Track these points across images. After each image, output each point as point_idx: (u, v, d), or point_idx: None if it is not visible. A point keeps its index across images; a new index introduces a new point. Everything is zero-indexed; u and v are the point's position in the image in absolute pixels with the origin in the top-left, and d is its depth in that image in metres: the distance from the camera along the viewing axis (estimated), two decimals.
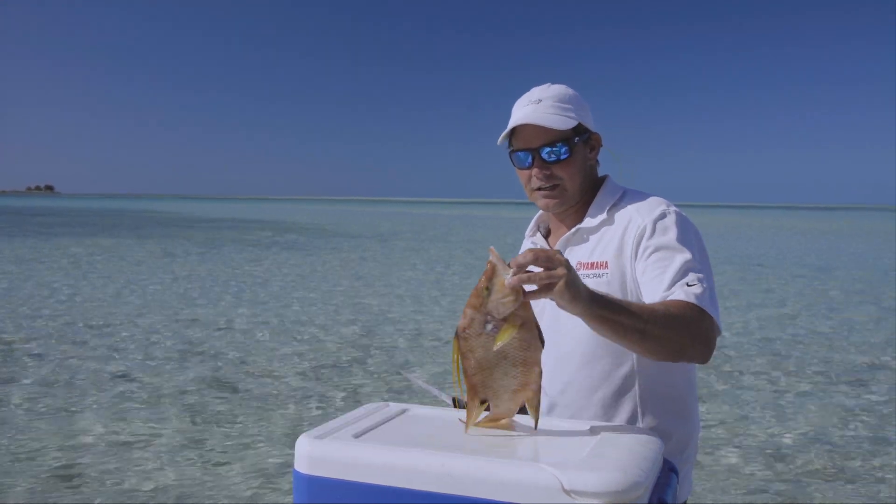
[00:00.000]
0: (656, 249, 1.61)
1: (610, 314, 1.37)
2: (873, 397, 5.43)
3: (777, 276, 13.98)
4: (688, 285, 1.51)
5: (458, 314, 8.90)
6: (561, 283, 1.25)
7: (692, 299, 1.49)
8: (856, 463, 4.06)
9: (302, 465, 1.34)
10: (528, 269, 1.28)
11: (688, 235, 1.64)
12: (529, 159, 1.74)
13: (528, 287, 1.28)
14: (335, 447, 1.34)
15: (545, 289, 1.26)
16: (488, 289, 1.31)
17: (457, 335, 1.36)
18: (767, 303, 10.21)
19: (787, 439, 4.47)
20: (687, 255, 1.58)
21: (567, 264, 1.29)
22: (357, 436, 1.40)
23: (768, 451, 4.26)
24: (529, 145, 1.73)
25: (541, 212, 1.94)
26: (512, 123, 1.73)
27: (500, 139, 1.78)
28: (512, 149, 1.78)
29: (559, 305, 1.31)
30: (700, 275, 1.55)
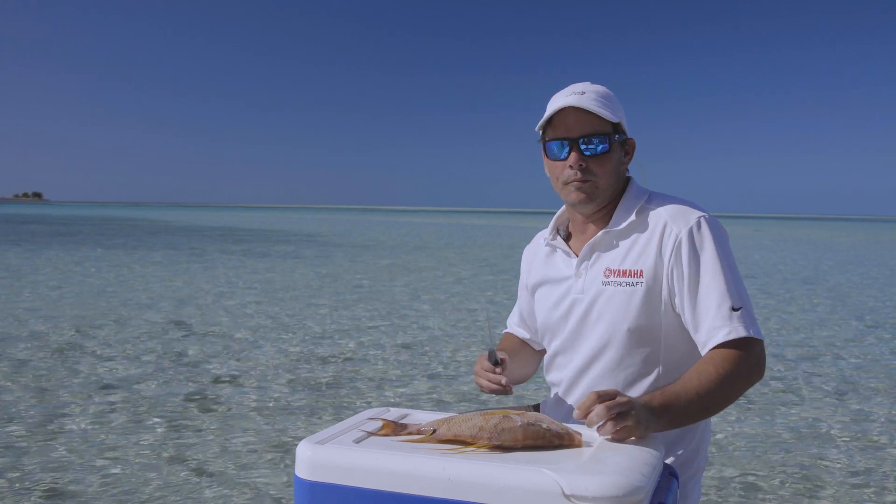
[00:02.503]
0: (695, 279, 1.63)
1: (675, 420, 1.49)
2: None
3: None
4: (731, 320, 1.58)
5: (457, 321, 8.86)
6: (634, 430, 1.38)
7: (741, 333, 1.57)
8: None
9: (303, 471, 1.34)
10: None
11: (721, 249, 1.65)
12: (566, 150, 1.68)
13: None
14: (336, 452, 1.34)
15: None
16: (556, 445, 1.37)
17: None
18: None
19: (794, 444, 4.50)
20: (723, 282, 1.62)
21: (632, 410, 1.39)
22: (358, 441, 1.41)
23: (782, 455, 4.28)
24: (569, 134, 1.67)
25: (559, 213, 1.90)
26: (555, 107, 1.67)
27: (538, 125, 1.72)
28: (547, 138, 1.72)
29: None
30: (739, 303, 1.61)
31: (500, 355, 1.74)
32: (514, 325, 2.11)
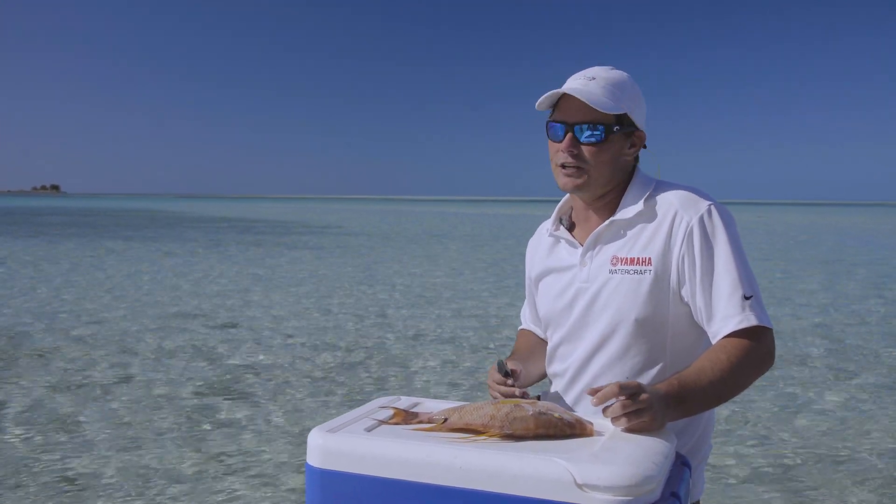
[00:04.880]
0: (707, 267, 1.62)
1: (689, 409, 1.52)
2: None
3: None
4: (743, 308, 1.58)
5: (467, 310, 8.86)
6: (650, 424, 1.39)
7: (752, 322, 1.57)
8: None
9: (314, 459, 1.34)
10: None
11: (732, 237, 1.64)
12: (562, 132, 1.68)
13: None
14: (347, 441, 1.34)
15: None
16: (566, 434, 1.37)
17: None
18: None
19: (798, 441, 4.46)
20: (735, 270, 1.61)
21: (651, 407, 1.39)
22: (369, 429, 1.40)
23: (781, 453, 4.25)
24: (566, 118, 1.67)
25: (562, 203, 1.88)
26: (559, 91, 1.68)
27: (544, 104, 1.72)
28: (550, 119, 1.72)
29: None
30: (750, 291, 1.60)
31: (510, 366, 1.71)
32: (528, 322, 2.05)
